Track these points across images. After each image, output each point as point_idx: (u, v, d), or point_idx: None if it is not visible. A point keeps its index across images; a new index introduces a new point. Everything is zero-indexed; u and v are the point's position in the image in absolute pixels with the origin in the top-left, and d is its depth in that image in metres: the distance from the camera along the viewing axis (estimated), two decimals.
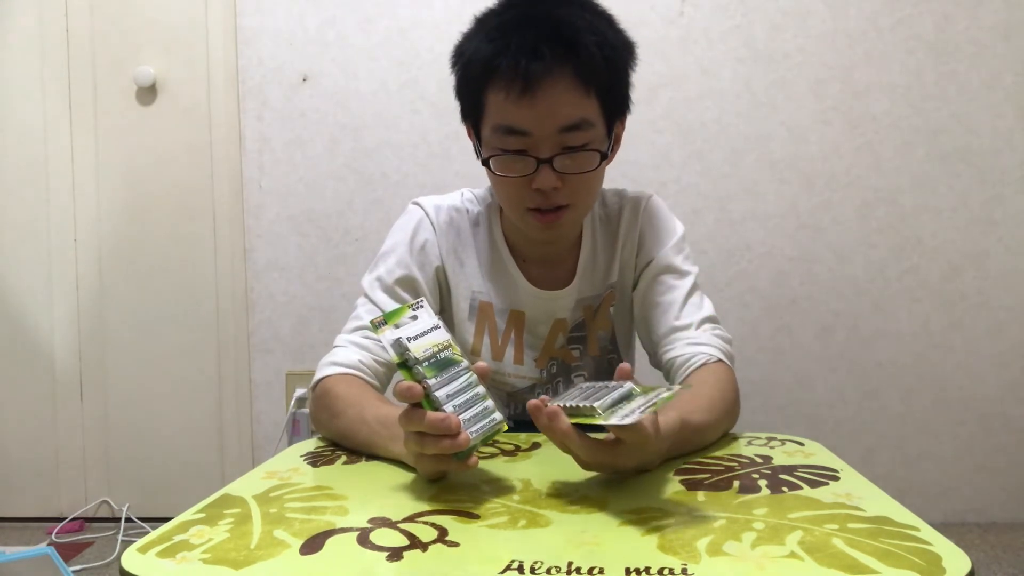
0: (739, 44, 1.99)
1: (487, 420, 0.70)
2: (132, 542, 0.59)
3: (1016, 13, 1.94)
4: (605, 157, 0.95)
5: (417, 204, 1.10)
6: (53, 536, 1.99)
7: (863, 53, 1.97)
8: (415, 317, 0.73)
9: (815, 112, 1.98)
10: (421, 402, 0.68)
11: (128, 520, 2.06)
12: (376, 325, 0.72)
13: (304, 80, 2.06)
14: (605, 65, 0.92)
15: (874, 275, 1.99)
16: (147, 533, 0.80)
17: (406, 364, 0.69)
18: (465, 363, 0.72)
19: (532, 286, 1.07)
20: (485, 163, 0.98)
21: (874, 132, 1.97)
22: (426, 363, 0.69)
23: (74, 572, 1.75)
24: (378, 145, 2.05)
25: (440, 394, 0.68)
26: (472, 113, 0.98)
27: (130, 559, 0.55)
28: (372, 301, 1.04)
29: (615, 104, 0.97)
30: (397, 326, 0.71)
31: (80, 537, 2.01)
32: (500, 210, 1.09)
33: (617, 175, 1.98)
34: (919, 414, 2.00)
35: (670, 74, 1.99)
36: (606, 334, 1.13)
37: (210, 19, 2.05)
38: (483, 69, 0.92)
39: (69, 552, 1.88)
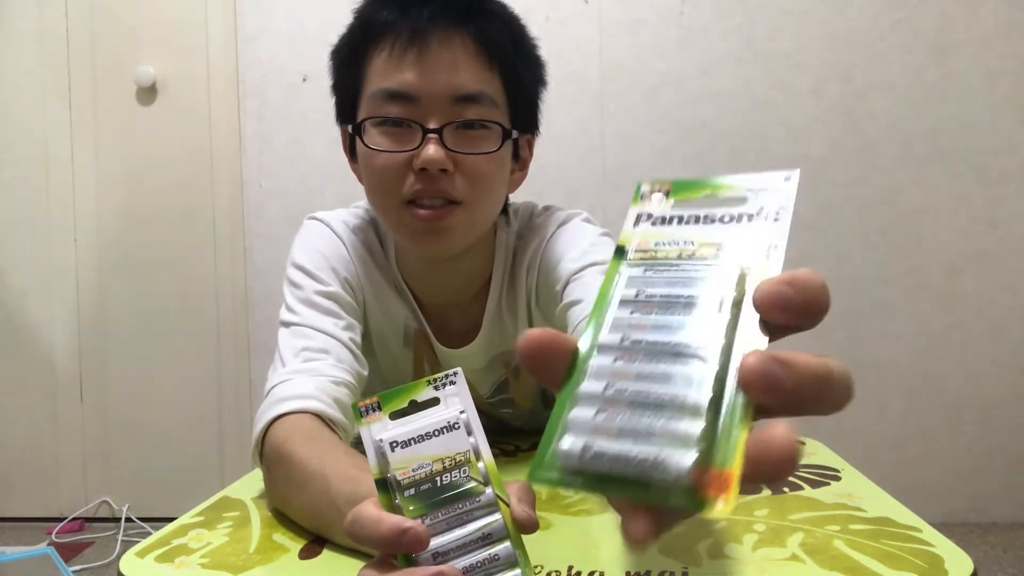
0: (739, 44, 1.98)
1: None
2: (132, 542, 0.59)
3: (1016, 13, 1.93)
4: (509, 138, 0.77)
5: (318, 219, 0.90)
6: (53, 536, 1.98)
7: (863, 53, 1.96)
8: (435, 400, 0.44)
9: (815, 112, 1.98)
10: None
11: (128, 520, 2.05)
12: (361, 412, 0.43)
13: (304, 80, 2.06)
14: (512, 44, 0.77)
15: (874, 275, 1.99)
16: (147, 533, 0.79)
17: (386, 485, 0.42)
18: (488, 495, 0.42)
19: (436, 340, 0.88)
20: (351, 149, 0.82)
21: (874, 132, 1.97)
22: (411, 492, 0.42)
23: (74, 572, 1.75)
24: None
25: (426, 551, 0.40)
26: (351, 95, 0.79)
27: (128, 564, 0.55)
28: (295, 324, 0.81)
29: (521, 104, 0.79)
30: (393, 416, 0.43)
31: (80, 537, 2.00)
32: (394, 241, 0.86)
33: (617, 175, 2.00)
34: (919, 414, 2.00)
35: (670, 74, 1.99)
36: (537, 391, 0.94)
37: (210, 19, 2.05)
38: (364, 27, 0.77)
39: (69, 552, 1.88)
